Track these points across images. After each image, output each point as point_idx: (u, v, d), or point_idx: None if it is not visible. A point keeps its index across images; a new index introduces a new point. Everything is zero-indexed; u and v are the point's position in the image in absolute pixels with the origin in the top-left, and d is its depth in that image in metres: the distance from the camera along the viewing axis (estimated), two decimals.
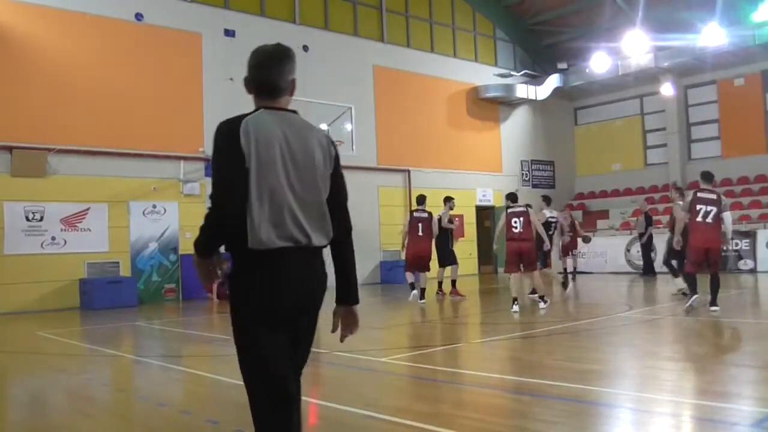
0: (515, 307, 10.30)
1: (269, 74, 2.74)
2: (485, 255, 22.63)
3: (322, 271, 2.78)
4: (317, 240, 2.70)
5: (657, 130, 24.69)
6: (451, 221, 13.63)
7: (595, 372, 5.93)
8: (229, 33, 17.39)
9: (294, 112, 2.78)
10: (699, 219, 9.24)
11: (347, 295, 2.86)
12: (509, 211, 10.90)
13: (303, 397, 5.45)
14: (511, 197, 11.26)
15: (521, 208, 10.83)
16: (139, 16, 16.03)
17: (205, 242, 2.61)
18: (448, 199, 13.57)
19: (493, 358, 7.21)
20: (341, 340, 2.92)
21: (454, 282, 13.59)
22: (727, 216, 9.21)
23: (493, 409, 4.87)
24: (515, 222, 10.66)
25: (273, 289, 2.60)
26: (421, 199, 12.97)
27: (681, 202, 11.70)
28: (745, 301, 10.40)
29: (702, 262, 9.27)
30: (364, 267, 19.63)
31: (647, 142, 25.19)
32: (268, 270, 2.60)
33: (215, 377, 6.42)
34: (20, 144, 14.16)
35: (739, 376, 5.56)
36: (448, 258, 13.45)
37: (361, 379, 6.15)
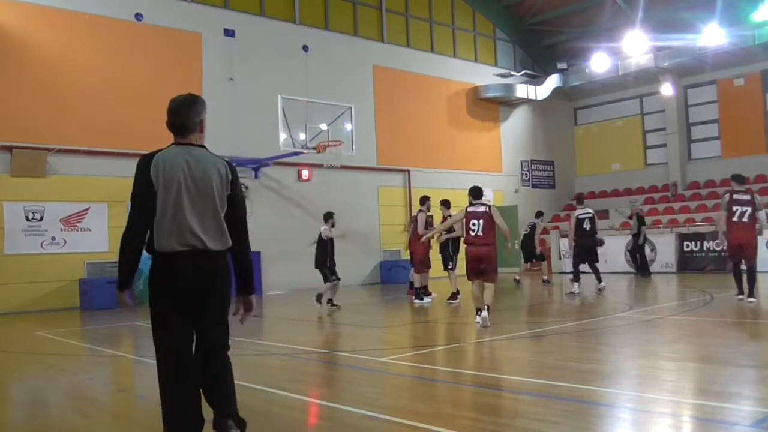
0: (478, 318, 8.76)
1: (178, 117, 3.53)
2: None
3: (221, 268, 3.49)
4: (213, 245, 3.42)
5: (657, 130, 24.69)
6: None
7: (595, 372, 5.93)
8: (229, 33, 17.39)
9: (202, 146, 3.51)
10: (735, 219, 10.02)
11: (244, 287, 3.70)
12: (469, 209, 9.21)
13: (302, 397, 5.47)
14: (474, 192, 9.42)
15: (482, 208, 9.14)
16: (139, 16, 16.04)
17: (121, 280, 3.42)
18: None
19: (494, 358, 7.20)
20: (241, 322, 3.73)
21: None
22: (762, 214, 10.02)
23: (493, 409, 4.86)
24: (474, 224, 9.04)
25: (173, 281, 3.38)
26: (421, 200, 12.84)
27: (582, 209, 13.14)
28: (745, 301, 10.41)
29: (739, 255, 10.16)
30: (364, 267, 19.64)
31: (647, 142, 25.20)
32: (170, 268, 3.38)
33: None
34: (20, 144, 14.18)
35: (739, 376, 5.55)
36: None
37: (361, 379, 6.14)
